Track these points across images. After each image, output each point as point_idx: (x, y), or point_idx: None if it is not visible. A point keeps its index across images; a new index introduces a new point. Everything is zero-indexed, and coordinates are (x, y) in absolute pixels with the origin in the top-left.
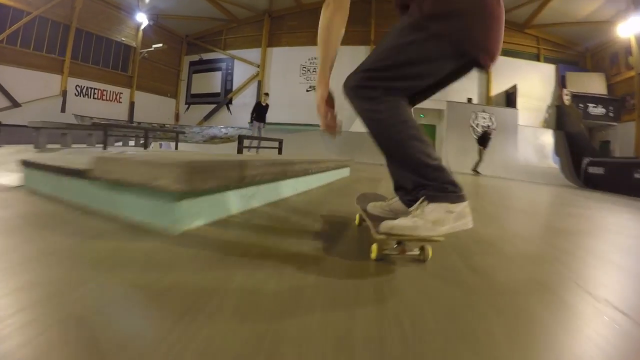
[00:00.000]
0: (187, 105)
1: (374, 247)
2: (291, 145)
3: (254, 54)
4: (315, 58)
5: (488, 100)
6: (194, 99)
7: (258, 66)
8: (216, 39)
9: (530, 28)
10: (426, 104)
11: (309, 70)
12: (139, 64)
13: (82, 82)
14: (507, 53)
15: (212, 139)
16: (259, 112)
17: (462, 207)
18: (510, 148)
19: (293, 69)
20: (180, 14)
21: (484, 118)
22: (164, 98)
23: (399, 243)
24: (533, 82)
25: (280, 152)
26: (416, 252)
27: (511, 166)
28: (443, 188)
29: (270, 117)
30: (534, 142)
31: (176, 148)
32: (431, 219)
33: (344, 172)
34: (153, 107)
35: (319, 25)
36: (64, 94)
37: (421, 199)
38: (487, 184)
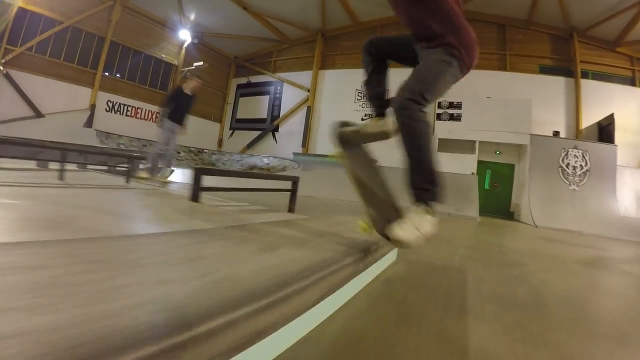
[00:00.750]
0: (231, 131)
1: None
2: (339, 181)
3: (304, 77)
4: None
5: (577, 133)
6: (239, 124)
7: (308, 90)
8: (266, 61)
9: (622, 46)
10: (505, 137)
11: (365, 96)
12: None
13: (114, 97)
14: (596, 76)
15: (252, 169)
16: (178, 104)
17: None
18: (607, 196)
19: (347, 94)
20: (227, 33)
21: (576, 157)
22: (207, 122)
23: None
24: (629, 112)
25: (293, 196)
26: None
27: (609, 220)
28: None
29: (319, 147)
30: (635, 187)
31: None
32: (424, 232)
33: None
34: (194, 130)
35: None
36: (92, 108)
37: (425, 205)
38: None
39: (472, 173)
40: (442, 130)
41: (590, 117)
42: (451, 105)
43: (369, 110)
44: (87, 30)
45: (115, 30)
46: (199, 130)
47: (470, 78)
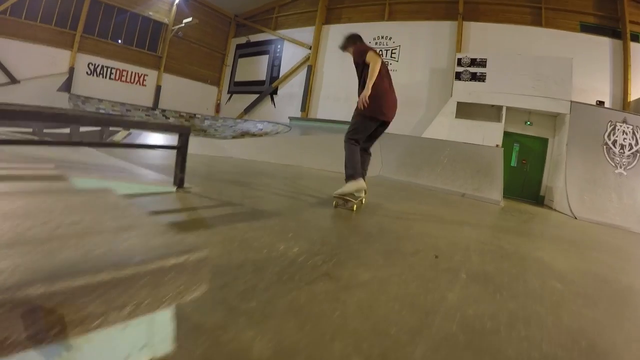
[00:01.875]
0: (229, 95)
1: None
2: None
3: (307, 33)
4: (383, 37)
5: (625, 106)
6: (237, 87)
7: (310, 48)
8: (267, 18)
9: None
10: (538, 104)
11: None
12: (172, 44)
13: (96, 59)
14: None
15: (243, 136)
16: None
17: (360, 182)
18: None
19: None
20: None
21: (625, 133)
22: (203, 85)
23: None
24: None
25: (182, 159)
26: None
27: None
28: (353, 176)
29: (322, 113)
30: None
31: None
32: (347, 187)
33: None
34: (187, 94)
35: (371, 68)
36: (70, 71)
37: (346, 179)
38: None
39: (497, 145)
40: (461, 92)
41: (639, 88)
42: (473, 62)
43: None
44: None
45: None
46: (194, 95)
47: (497, 33)
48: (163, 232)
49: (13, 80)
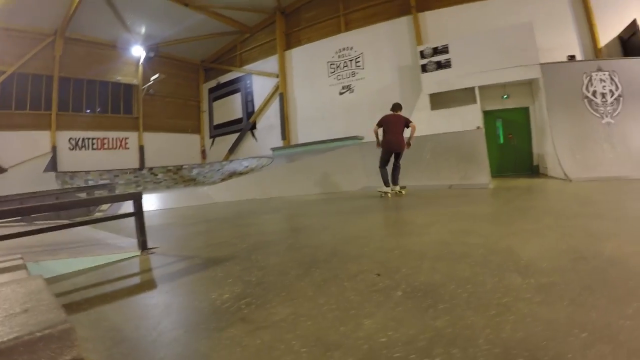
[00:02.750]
0: (211, 139)
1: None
2: (330, 165)
3: (272, 63)
4: (344, 49)
5: (597, 54)
6: (218, 130)
7: (277, 76)
8: (232, 57)
9: None
10: (509, 75)
11: (339, 66)
12: (146, 102)
13: (76, 133)
14: None
15: (231, 176)
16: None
17: (384, 187)
18: None
19: (319, 70)
20: (182, 38)
21: (603, 81)
22: (185, 135)
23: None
24: None
25: (140, 223)
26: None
27: None
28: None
29: (302, 136)
30: None
31: None
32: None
33: None
34: (171, 148)
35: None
36: (54, 150)
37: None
38: None
39: (478, 127)
40: (430, 84)
41: (608, 32)
42: (435, 51)
43: (345, 82)
44: (34, 73)
45: (61, 65)
46: (178, 147)
47: (453, 16)
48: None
49: (0, 170)
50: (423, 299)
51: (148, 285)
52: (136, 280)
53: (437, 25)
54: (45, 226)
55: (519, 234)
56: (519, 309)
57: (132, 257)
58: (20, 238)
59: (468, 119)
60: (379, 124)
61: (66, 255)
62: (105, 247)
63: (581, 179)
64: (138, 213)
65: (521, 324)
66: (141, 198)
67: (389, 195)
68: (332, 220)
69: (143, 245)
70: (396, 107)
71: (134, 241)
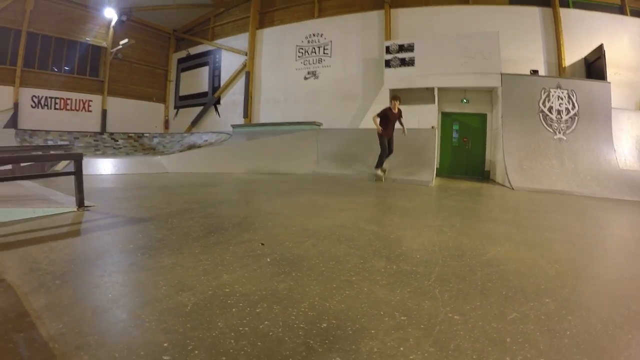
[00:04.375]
0: (176, 110)
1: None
2: (284, 147)
3: (242, 40)
4: (314, 35)
5: (561, 72)
6: (183, 101)
7: (246, 54)
8: (204, 29)
9: None
10: (469, 80)
11: (307, 51)
12: (113, 67)
13: (40, 91)
14: (578, 5)
15: (190, 148)
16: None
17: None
18: (602, 145)
19: (287, 53)
20: (158, 4)
21: (561, 98)
22: (149, 103)
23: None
24: (620, 45)
25: (79, 181)
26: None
27: (606, 175)
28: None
29: (264, 116)
30: (635, 134)
31: None
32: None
33: None
34: (134, 115)
35: (373, 120)
36: (15, 107)
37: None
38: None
39: (432, 127)
40: (392, 78)
41: (574, 53)
42: (401, 48)
43: (311, 68)
44: (2, 26)
45: (31, 20)
46: (141, 114)
47: (425, 17)
48: None
49: None
50: (283, 267)
51: (73, 234)
52: (65, 229)
53: (407, 23)
54: None
55: (417, 228)
56: (361, 287)
57: (69, 212)
58: None
59: (424, 117)
60: (379, 115)
61: (10, 206)
62: (46, 202)
63: (524, 188)
64: (77, 172)
65: (352, 298)
66: (81, 159)
67: (383, 177)
68: (258, 198)
69: (80, 203)
70: (396, 98)
71: (73, 199)
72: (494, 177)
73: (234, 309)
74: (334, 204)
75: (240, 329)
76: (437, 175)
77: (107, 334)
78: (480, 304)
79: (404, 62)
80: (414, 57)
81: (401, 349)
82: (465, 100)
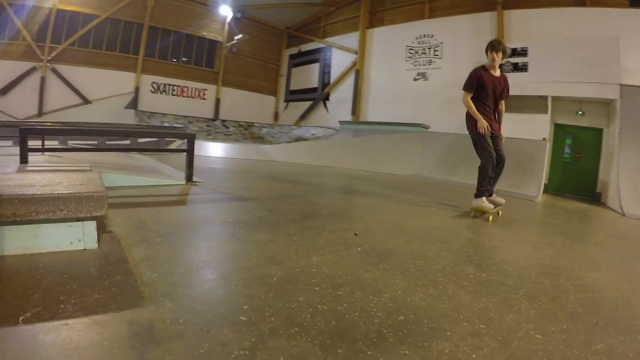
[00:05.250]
0: (285, 103)
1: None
2: (389, 147)
3: (352, 39)
4: (425, 35)
5: None
6: (293, 95)
7: (356, 52)
8: (315, 27)
9: None
10: (586, 90)
11: (417, 52)
12: (228, 60)
13: (158, 78)
14: None
15: (298, 141)
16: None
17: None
18: None
19: (397, 52)
20: (271, 3)
21: None
22: (261, 95)
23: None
24: None
25: (190, 159)
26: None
27: None
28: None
29: (371, 115)
30: None
31: None
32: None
33: None
34: (247, 105)
35: (463, 101)
36: (136, 90)
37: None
38: None
39: (543, 139)
40: None
41: None
42: (514, 52)
43: (421, 69)
44: (125, 20)
45: (152, 15)
46: (252, 105)
47: (538, 19)
48: None
49: (86, 101)
50: (372, 258)
51: (178, 203)
52: (172, 199)
53: (520, 25)
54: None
55: (515, 241)
56: (445, 289)
57: (178, 184)
58: (93, 155)
59: (535, 128)
60: (470, 88)
61: (126, 173)
62: (158, 174)
63: (637, 216)
64: (190, 151)
65: (434, 298)
66: (194, 138)
67: (492, 211)
68: (358, 193)
69: (189, 178)
70: (496, 47)
71: (182, 174)
72: (605, 199)
73: (316, 288)
74: (432, 206)
75: (319, 306)
76: (544, 191)
77: (193, 289)
78: (567, 327)
79: (516, 67)
80: (527, 62)
81: (473, 355)
82: (580, 112)
